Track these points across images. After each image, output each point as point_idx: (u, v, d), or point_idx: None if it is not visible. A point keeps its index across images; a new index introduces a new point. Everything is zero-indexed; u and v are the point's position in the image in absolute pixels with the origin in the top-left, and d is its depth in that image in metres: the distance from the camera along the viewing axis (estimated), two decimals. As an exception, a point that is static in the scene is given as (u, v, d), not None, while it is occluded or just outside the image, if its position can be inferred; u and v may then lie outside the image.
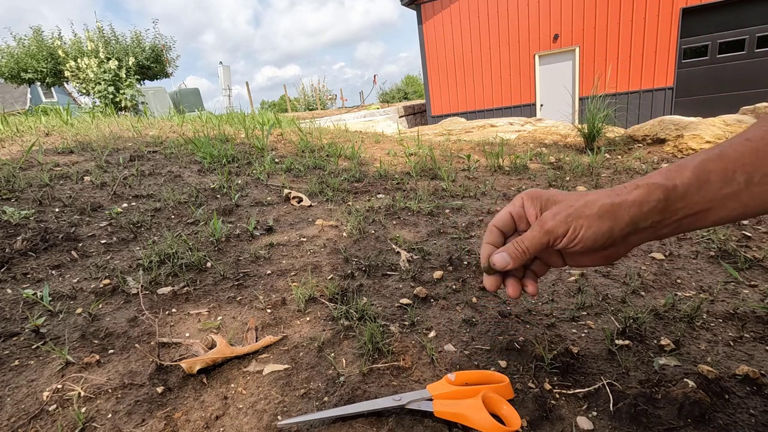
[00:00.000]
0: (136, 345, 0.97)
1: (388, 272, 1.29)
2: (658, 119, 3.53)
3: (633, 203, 0.45)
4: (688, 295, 1.12)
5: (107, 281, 1.22)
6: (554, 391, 0.79)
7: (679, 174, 0.44)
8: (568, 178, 2.39)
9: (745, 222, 1.64)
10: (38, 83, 14.56)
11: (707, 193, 0.43)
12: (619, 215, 0.45)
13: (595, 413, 0.74)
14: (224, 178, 2.20)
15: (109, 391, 0.83)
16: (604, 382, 0.80)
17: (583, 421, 0.71)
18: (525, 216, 0.54)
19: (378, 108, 13.71)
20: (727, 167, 0.42)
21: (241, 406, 0.79)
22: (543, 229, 0.50)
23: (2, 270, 1.26)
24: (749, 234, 1.51)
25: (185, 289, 1.20)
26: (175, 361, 0.90)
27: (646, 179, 0.46)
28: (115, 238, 1.51)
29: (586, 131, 3.53)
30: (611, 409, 0.73)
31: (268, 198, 1.98)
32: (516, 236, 0.55)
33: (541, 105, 11.57)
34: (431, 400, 0.73)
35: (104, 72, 9.65)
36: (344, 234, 1.58)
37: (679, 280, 1.21)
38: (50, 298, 1.13)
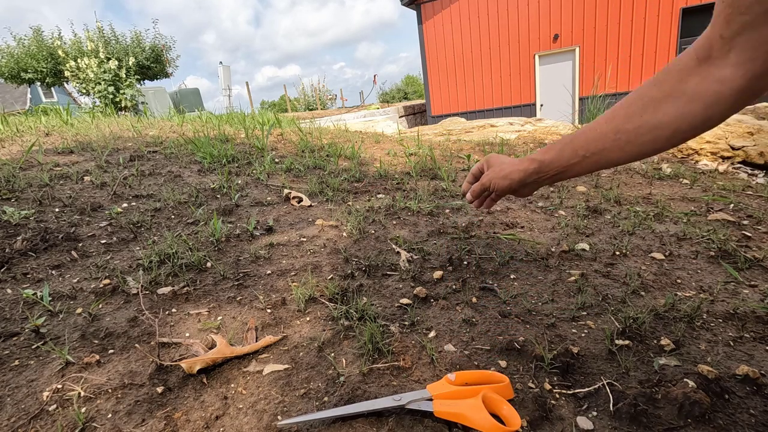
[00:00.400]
0: (136, 345, 0.97)
1: (388, 272, 1.29)
2: (658, 119, 3.53)
3: (519, 171, 0.79)
4: (688, 295, 1.12)
5: (107, 281, 1.22)
6: (554, 391, 0.79)
7: (548, 152, 0.75)
8: (568, 178, 2.39)
9: (745, 222, 1.65)
10: (38, 83, 14.55)
11: (561, 162, 0.73)
12: (512, 177, 0.80)
13: (595, 413, 0.74)
14: (224, 178, 2.20)
15: (109, 391, 0.83)
16: (604, 382, 0.80)
17: (583, 421, 0.71)
18: (484, 170, 0.91)
19: (378, 108, 13.70)
20: (574, 147, 0.70)
21: (241, 406, 0.79)
22: (480, 182, 0.87)
23: (2, 270, 1.26)
24: (749, 234, 1.51)
25: (185, 289, 1.20)
26: (175, 361, 0.90)
27: (532, 156, 0.78)
28: (115, 238, 1.51)
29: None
30: (611, 409, 0.73)
31: (268, 198, 1.98)
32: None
33: (541, 105, 11.57)
34: (431, 400, 0.74)
35: (104, 72, 9.64)
36: (344, 234, 1.58)
37: (679, 280, 1.21)
38: (50, 298, 1.13)
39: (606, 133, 0.66)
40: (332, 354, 0.92)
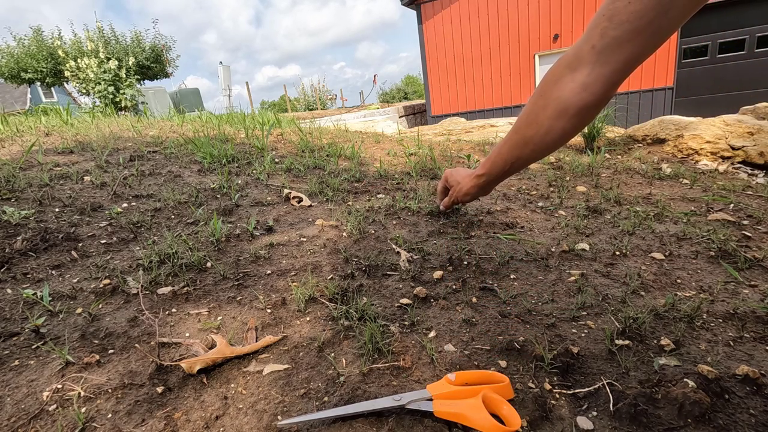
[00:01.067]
0: (136, 345, 0.97)
1: (388, 272, 1.29)
2: (658, 119, 3.53)
3: (474, 186, 1.00)
4: (688, 295, 1.12)
5: (107, 281, 1.22)
6: (554, 391, 0.79)
7: (487, 164, 0.93)
8: (568, 178, 2.39)
9: (745, 222, 1.65)
10: (38, 83, 14.56)
11: (498, 170, 0.91)
12: (471, 192, 1.01)
13: (595, 413, 0.74)
14: (224, 178, 2.20)
15: (109, 391, 0.83)
16: (604, 382, 0.80)
17: (583, 421, 0.71)
18: (447, 185, 1.12)
19: (378, 108, 13.70)
20: (502, 157, 0.88)
21: (241, 406, 0.79)
22: (449, 199, 1.10)
23: (2, 270, 1.26)
24: (749, 234, 1.51)
25: (185, 289, 1.20)
26: (175, 361, 0.90)
27: (477, 171, 1.00)
28: (115, 238, 1.51)
29: (586, 131, 3.53)
30: (611, 409, 0.74)
31: (268, 198, 1.98)
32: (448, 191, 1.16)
33: (541, 105, 11.56)
34: (431, 400, 0.74)
35: (104, 72, 9.65)
36: (344, 234, 1.58)
37: (679, 280, 1.21)
38: (50, 298, 1.13)
39: (517, 142, 0.83)
40: (332, 354, 0.92)
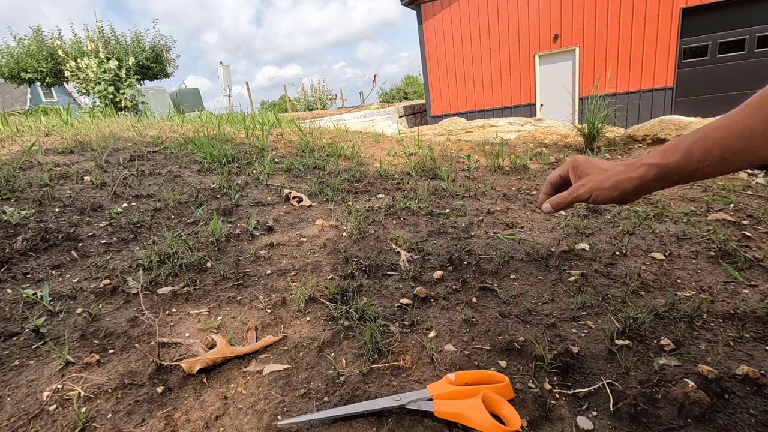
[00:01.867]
0: (136, 345, 0.97)
1: (388, 272, 1.29)
2: (658, 119, 3.53)
3: (635, 178, 0.65)
4: (688, 295, 1.12)
5: (107, 281, 1.22)
6: (554, 391, 0.79)
7: (673, 153, 0.62)
8: (568, 178, 2.39)
9: (745, 222, 1.64)
10: (38, 83, 14.56)
11: (691, 165, 0.60)
12: (625, 187, 0.66)
13: (595, 413, 0.73)
14: (224, 178, 2.20)
15: (109, 391, 0.83)
16: (604, 382, 0.80)
17: (583, 421, 0.71)
18: (569, 178, 0.76)
19: (378, 108, 13.70)
20: (707, 146, 0.58)
21: (241, 406, 0.79)
22: (573, 194, 0.72)
23: (2, 270, 1.26)
24: (749, 234, 1.51)
25: (185, 289, 1.19)
26: (175, 361, 0.90)
27: (648, 159, 0.64)
28: (115, 238, 1.51)
29: (586, 131, 3.53)
30: (611, 409, 0.73)
31: (268, 198, 1.98)
32: (564, 188, 0.77)
33: (541, 105, 11.56)
34: (431, 400, 0.74)
35: (104, 72, 9.64)
36: (344, 234, 1.58)
37: (679, 280, 1.21)
38: (50, 298, 1.13)
39: (754, 126, 0.55)
40: (332, 354, 0.92)
